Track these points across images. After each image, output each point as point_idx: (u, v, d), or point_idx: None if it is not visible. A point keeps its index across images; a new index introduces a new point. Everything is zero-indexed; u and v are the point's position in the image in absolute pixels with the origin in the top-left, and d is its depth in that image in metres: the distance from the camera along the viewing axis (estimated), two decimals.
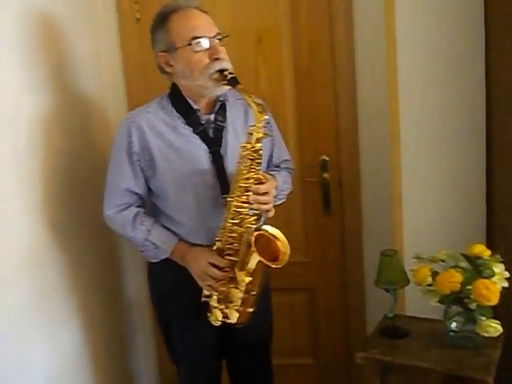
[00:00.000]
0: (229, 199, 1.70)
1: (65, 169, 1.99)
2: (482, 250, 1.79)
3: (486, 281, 1.72)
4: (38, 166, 1.84)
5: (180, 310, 1.89)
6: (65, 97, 2.04)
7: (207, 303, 1.79)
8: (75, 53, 2.14)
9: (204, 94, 1.76)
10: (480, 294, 1.70)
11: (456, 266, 1.78)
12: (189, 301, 1.83)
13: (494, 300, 1.70)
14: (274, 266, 1.60)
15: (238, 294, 1.70)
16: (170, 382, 2.59)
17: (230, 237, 1.71)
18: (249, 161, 1.66)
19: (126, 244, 2.37)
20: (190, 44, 1.68)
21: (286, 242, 1.61)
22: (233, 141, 1.81)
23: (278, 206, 1.85)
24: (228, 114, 1.84)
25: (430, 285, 1.81)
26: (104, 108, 2.37)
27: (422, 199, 2.10)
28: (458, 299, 1.77)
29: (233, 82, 1.65)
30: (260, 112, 1.64)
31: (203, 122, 1.79)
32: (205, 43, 1.69)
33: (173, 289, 1.87)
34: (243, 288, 1.69)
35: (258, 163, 1.68)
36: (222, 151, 1.79)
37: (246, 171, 1.67)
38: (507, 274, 1.75)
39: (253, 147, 1.66)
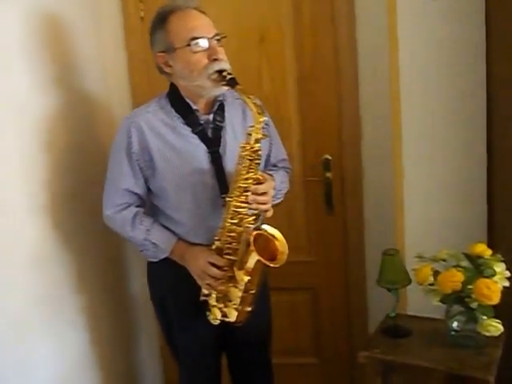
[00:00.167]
0: (228, 199, 1.71)
1: (69, 169, 1.99)
2: (483, 250, 1.79)
3: (487, 280, 1.72)
4: (44, 165, 1.85)
5: (180, 309, 1.89)
6: (70, 96, 2.04)
7: (206, 302, 1.80)
8: (80, 52, 2.14)
9: (203, 95, 1.77)
10: (481, 293, 1.70)
11: (457, 266, 1.78)
12: (188, 300, 1.83)
13: (495, 299, 1.70)
14: (272, 266, 1.62)
15: (237, 293, 1.71)
16: (174, 381, 2.60)
17: (229, 236, 1.72)
18: (248, 161, 1.67)
19: (130, 244, 2.38)
20: (188, 45, 1.69)
21: (285, 241, 1.62)
22: (231, 140, 1.81)
23: (276, 205, 1.85)
24: (226, 113, 1.84)
25: (431, 284, 1.81)
26: (109, 107, 2.38)
27: (424, 199, 2.10)
28: (459, 298, 1.77)
29: (232, 83, 1.66)
30: (259, 113, 1.65)
31: (202, 122, 1.80)
32: (204, 44, 1.70)
33: (172, 288, 1.88)
34: (242, 287, 1.70)
35: (256, 164, 1.68)
36: (220, 151, 1.80)
37: (245, 171, 1.68)
38: (508, 274, 1.75)
39: (252, 148, 1.66)
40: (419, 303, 1.93)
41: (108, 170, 1.85)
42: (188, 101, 1.79)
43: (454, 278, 1.74)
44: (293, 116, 2.47)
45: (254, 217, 1.72)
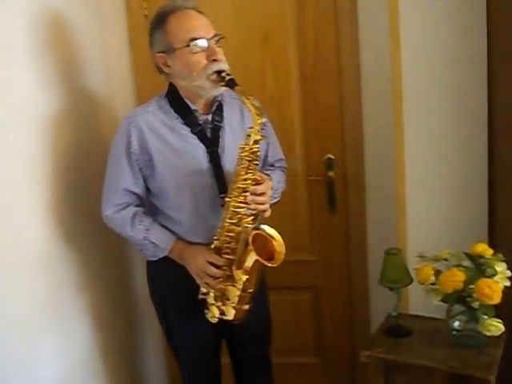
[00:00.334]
0: (227, 199, 1.72)
1: (74, 167, 2.00)
2: (484, 249, 1.79)
3: (488, 280, 1.72)
4: (48, 164, 1.85)
5: (179, 307, 1.91)
6: (73, 96, 2.05)
7: (204, 300, 1.81)
8: (84, 52, 2.15)
9: (202, 95, 1.78)
10: (482, 292, 1.71)
11: (459, 265, 1.79)
12: (187, 299, 1.84)
13: (497, 299, 1.70)
14: (269, 265, 1.63)
15: (235, 292, 1.73)
16: (179, 381, 2.60)
17: (228, 236, 1.73)
18: (247, 162, 1.68)
19: (133, 243, 2.39)
20: (188, 45, 1.69)
21: (282, 241, 1.64)
22: (230, 140, 1.82)
23: (273, 204, 1.86)
24: (224, 113, 1.85)
25: (432, 284, 1.81)
26: (112, 108, 2.38)
27: (426, 198, 2.10)
28: (460, 298, 1.77)
29: (231, 84, 1.67)
30: (258, 115, 1.66)
31: (201, 122, 1.81)
32: (203, 44, 1.70)
33: (172, 287, 1.89)
34: (240, 286, 1.72)
35: (255, 164, 1.70)
36: (219, 151, 1.81)
37: (243, 172, 1.69)
38: (509, 273, 1.75)
39: (251, 149, 1.68)
40: (421, 303, 1.93)
41: (107, 169, 1.85)
42: (187, 101, 1.80)
43: (456, 278, 1.75)
44: (296, 115, 2.47)
45: (252, 217, 1.74)
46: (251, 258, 1.67)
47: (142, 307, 2.51)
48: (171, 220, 1.84)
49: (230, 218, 1.72)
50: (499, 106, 1.92)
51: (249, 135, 1.68)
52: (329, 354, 2.65)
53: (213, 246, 1.76)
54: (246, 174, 1.69)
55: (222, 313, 1.79)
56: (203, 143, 1.79)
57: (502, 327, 1.73)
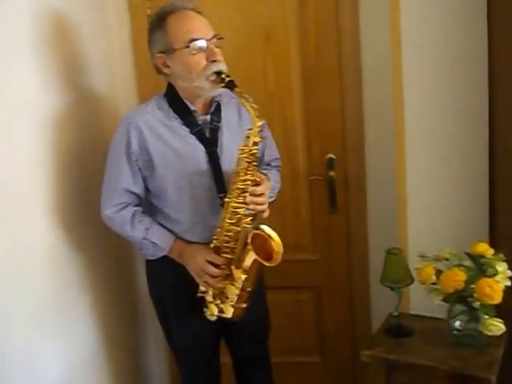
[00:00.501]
0: (226, 200, 1.73)
1: (76, 167, 2.00)
2: (485, 249, 1.80)
3: (489, 279, 1.72)
4: (51, 164, 1.85)
5: (178, 306, 1.91)
6: (76, 96, 2.05)
7: (203, 299, 1.82)
8: (87, 51, 2.15)
9: (201, 95, 1.78)
10: (483, 292, 1.71)
11: (460, 265, 1.79)
12: (186, 297, 1.85)
13: (497, 299, 1.71)
14: (267, 265, 1.65)
15: (234, 291, 1.75)
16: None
17: (227, 236, 1.74)
18: (246, 163, 1.70)
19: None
20: (187, 46, 1.70)
21: (280, 242, 1.64)
22: (228, 141, 1.83)
23: (271, 203, 1.86)
24: (223, 113, 1.86)
25: (433, 283, 1.82)
26: (115, 108, 2.38)
27: (427, 198, 2.10)
28: (461, 298, 1.78)
29: (230, 85, 1.67)
30: (257, 117, 1.67)
31: (200, 122, 1.82)
32: (202, 45, 1.71)
33: (171, 286, 1.90)
34: (239, 285, 1.74)
35: (254, 166, 1.71)
36: (218, 151, 1.81)
37: (243, 173, 1.70)
38: (510, 273, 1.75)
39: (250, 150, 1.69)
40: (422, 302, 1.94)
41: (106, 169, 1.85)
42: (186, 101, 1.81)
43: (457, 278, 1.75)
44: (297, 115, 2.47)
45: (251, 217, 1.75)
46: (250, 258, 1.69)
47: (144, 307, 2.51)
48: (170, 219, 1.85)
49: (230, 218, 1.73)
50: (500, 106, 1.92)
51: (248, 137, 1.69)
52: (330, 354, 2.65)
53: (212, 246, 1.77)
54: (246, 175, 1.70)
55: (221, 311, 1.80)
56: (202, 143, 1.80)
57: (502, 327, 1.74)
